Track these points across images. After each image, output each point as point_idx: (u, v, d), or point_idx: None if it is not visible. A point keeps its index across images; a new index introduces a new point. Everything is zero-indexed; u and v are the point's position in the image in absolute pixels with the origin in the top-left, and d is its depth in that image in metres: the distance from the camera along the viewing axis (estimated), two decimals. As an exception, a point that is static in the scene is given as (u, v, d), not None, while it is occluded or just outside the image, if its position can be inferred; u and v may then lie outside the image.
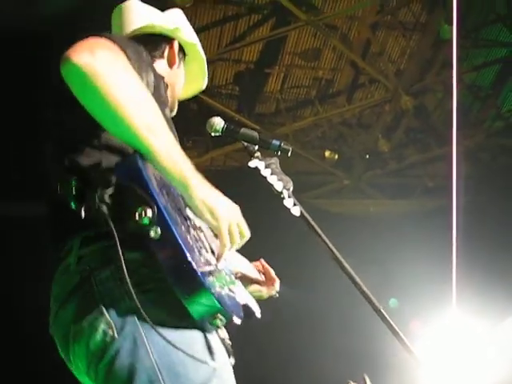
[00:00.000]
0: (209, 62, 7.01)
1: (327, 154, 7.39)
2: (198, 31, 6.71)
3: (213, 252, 1.71)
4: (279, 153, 2.23)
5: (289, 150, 2.22)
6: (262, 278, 2.24)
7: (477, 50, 6.85)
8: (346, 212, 7.54)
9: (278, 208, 2.18)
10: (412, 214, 7.53)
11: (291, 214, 2.15)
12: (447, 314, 5.16)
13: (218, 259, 1.67)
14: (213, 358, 1.59)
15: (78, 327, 1.63)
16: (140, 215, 1.52)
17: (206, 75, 2.36)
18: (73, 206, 1.64)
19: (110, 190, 1.60)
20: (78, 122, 1.69)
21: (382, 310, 2.01)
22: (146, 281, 1.60)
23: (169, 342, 1.55)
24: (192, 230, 1.68)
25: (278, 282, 2.28)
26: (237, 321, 1.59)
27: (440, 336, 5.58)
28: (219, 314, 1.55)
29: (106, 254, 1.62)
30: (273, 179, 2.15)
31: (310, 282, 6.40)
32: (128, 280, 1.52)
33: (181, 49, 2.18)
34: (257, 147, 2.23)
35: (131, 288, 1.53)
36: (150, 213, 1.52)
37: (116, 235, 1.55)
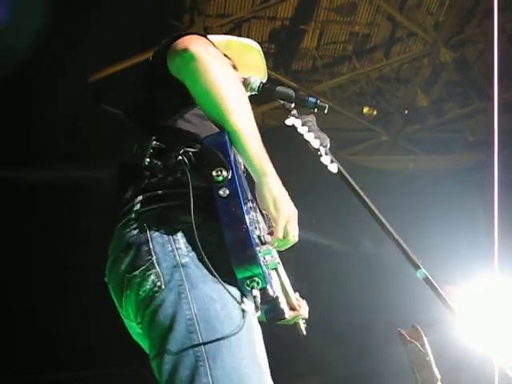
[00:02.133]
0: (243, 21, 7.02)
1: (365, 110, 7.32)
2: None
3: (263, 236, 1.83)
4: (316, 110, 2.23)
5: (325, 107, 2.22)
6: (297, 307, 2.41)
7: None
8: (384, 168, 7.47)
9: (317, 166, 2.19)
10: (453, 169, 7.43)
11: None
12: (489, 275, 5.12)
13: (265, 244, 1.81)
14: (246, 316, 1.73)
15: (132, 276, 1.80)
16: (217, 172, 1.71)
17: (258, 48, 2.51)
18: (147, 162, 1.85)
19: (192, 149, 1.80)
20: (166, 100, 1.97)
21: (421, 266, 2.01)
22: (193, 241, 1.75)
23: (210, 296, 1.71)
24: (252, 212, 1.84)
25: (307, 310, 2.44)
26: (271, 292, 1.77)
27: (481, 298, 5.53)
28: (257, 278, 1.70)
29: (163, 214, 1.82)
30: (310, 136, 2.15)
31: (349, 239, 6.42)
32: (197, 237, 1.70)
33: None
34: (293, 105, 2.22)
35: (199, 243, 1.70)
36: (225, 173, 1.71)
37: (190, 181, 1.74)
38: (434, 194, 6.61)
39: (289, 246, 1.88)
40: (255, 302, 1.71)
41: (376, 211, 2.10)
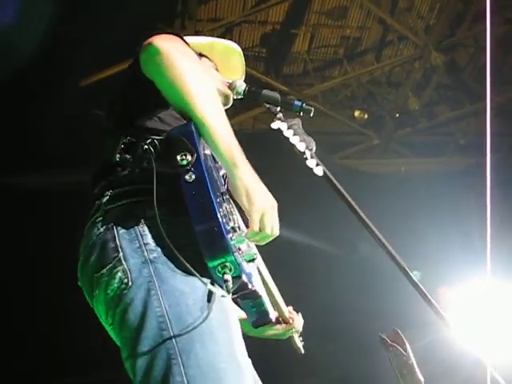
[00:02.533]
0: (235, 25, 7.01)
1: (357, 113, 7.32)
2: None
3: (238, 227, 1.79)
4: (302, 113, 2.22)
5: (311, 111, 2.21)
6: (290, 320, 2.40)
7: (510, 2, 6.65)
8: (376, 172, 7.49)
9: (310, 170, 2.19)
10: (444, 172, 7.44)
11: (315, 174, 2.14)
12: (481, 278, 5.11)
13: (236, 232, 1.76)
14: (222, 310, 1.70)
15: (99, 275, 1.77)
16: (182, 156, 1.69)
17: (235, 46, 2.50)
18: (117, 157, 1.84)
19: (159, 137, 1.81)
20: (142, 101, 1.95)
21: (408, 270, 2.01)
22: (161, 236, 1.70)
23: (181, 290, 1.67)
24: (225, 204, 1.79)
25: (301, 322, 2.44)
26: (248, 285, 1.72)
27: (473, 301, 5.53)
28: (228, 264, 1.65)
29: (130, 210, 1.79)
30: (295, 140, 2.14)
31: (338, 242, 6.41)
32: (162, 229, 1.67)
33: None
34: (279, 108, 2.22)
35: (165, 235, 1.66)
36: (189, 157, 1.68)
37: (155, 170, 1.72)
38: (426, 197, 6.62)
39: (268, 240, 1.78)
40: (226, 287, 1.66)
41: (362, 214, 2.09)
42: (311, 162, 2.12)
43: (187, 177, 1.68)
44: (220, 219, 1.65)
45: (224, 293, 1.66)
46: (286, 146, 2.21)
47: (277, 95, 2.22)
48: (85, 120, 5.43)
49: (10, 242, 5.26)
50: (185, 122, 1.81)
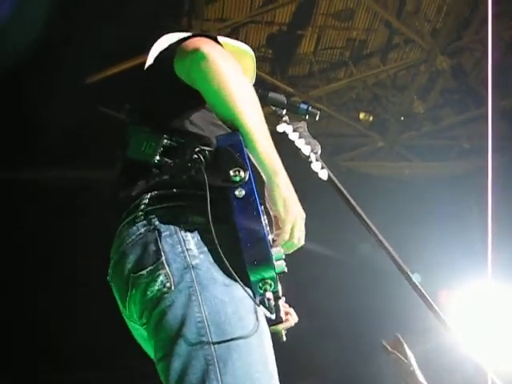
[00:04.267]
0: (241, 25, 7.01)
1: (362, 115, 7.33)
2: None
3: (273, 240, 1.82)
4: (307, 116, 2.23)
5: (316, 114, 2.23)
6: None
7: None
8: (380, 174, 7.48)
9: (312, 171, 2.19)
10: (448, 176, 7.44)
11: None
12: (482, 282, 5.11)
13: (273, 245, 1.79)
14: (257, 320, 1.71)
15: (138, 276, 1.78)
16: (235, 172, 1.69)
17: (248, 48, 2.54)
18: (157, 159, 1.82)
19: (208, 148, 1.79)
20: (174, 104, 1.95)
21: (409, 273, 2.01)
22: (206, 243, 1.75)
23: (221, 299, 1.69)
24: (264, 216, 1.79)
25: (295, 317, 2.41)
26: (280, 294, 1.80)
27: (474, 305, 5.53)
28: (269, 280, 1.71)
29: (172, 213, 1.80)
30: (300, 143, 2.15)
31: (339, 245, 6.41)
32: (215, 236, 1.67)
33: None
34: (285, 111, 2.22)
35: (216, 240, 1.67)
36: (242, 174, 1.70)
37: (206, 179, 1.72)
38: (429, 201, 6.61)
39: (293, 249, 1.85)
40: (269, 305, 1.70)
41: (365, 217, 2.09)
42: (316, 166, 2.12)
43: (237, 192, 1.69)
44: (267, 236, 1.69)
45: (266, 312, 1.71)
46: (289, 149, 2.22)
47: (283, 98, 2.23)
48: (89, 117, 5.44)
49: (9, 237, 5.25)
50: (217, 128, 1.85)
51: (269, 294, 1.70)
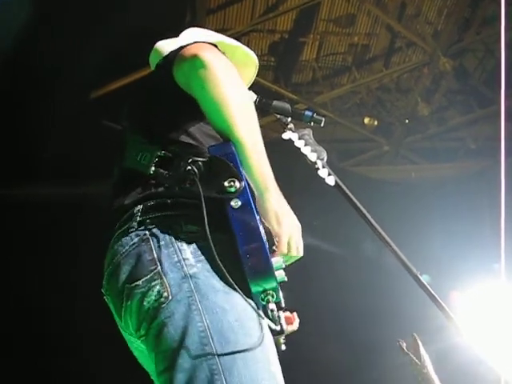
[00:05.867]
0: (243, 34, 7.02)
1: (366, 120, 7.33)
2: (231, 3, 6.70)
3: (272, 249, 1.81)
4: (312, 123, 2.23)
5: (321, 121, 2.23)
6: None
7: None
8: (387, 178, 7.48)
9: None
10: (455, 177, 7.42)
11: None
12: (494, 283, 5.09)
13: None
14: (261, 328, 1.68)
15: (133, 286, 1.74)
16: (230, 183, 1.68)
17: (254, 56, 2.45)
18: (152, 171, 1.81)
19: (202, 159, 1.76)
20: (171, 114, 1.92)
21: (420, 276, 2.02)
22: (203, 252, 1.72)
23: (222, 307, 1.66)
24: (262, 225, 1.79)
25: (297, 322, 2.34)
26: (283, 304, 1.75)
27: (486, 305, 5.51)
28: (271, 291, 1.69)
29: (166, 222, 1.76)
30: (306, 150, 2.16)
31: (349, 249, 6.40)
32: (212, 245, 1.64)
33: None
34: (290, 119, 2.23)
35: (215, 253, 1.64)
36: (237, 184, 1.68)
37: (201, 191, 1.69)
38: (437, 203, 6.60)
39: (293, 260, 1.84)
40: (273, 316, 1.68)
41: (374, 222, 2.10)
42: (323, 172, 2.13)
43: (233, 203, 1.67)
44: (266, 246, 1.66)
45: (271, 324, 1.68)
46: (294, 154, 2.22)
47: (287, 106, 2.23)
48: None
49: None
50: (215, 138, 1.82)
51: (272, 305, 1.69)
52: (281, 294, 1.73)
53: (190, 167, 1.75)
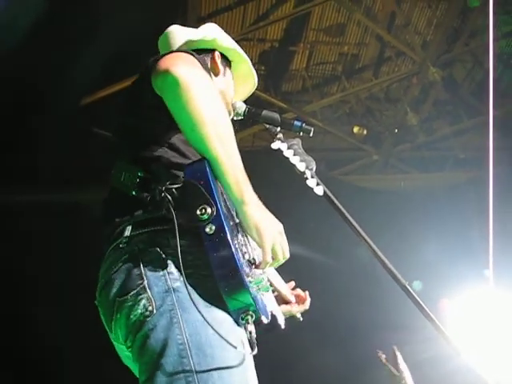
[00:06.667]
0: (233, 43, 6.90)
1: (356, 129, 7.36)
2: (221, 11, 6.70)
3: (254, 259, 1.84)
4: (301, 133, 2.24)
5: (311, 130, 2.23)
6: (292, 299, 2.44)
7: (506, 17, 6.71)
8: (376, 187, 7.50)
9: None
10: (444, 186, 7.46)
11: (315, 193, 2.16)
12: (483, 291, 5.11)
13: (257, 268, 1.82)
14: (241, 345, 1.71)
15: (123, 300, 1.79)
16: (201, 210, 1.70)
17: (255, 75, 2.49)
18: (134, 193, 1.85)
19: (176, 184, 1.80)
20: (152, 125, 1.93)
21: (408, 286, 2.02)
22: (187, 265, 1.74)
23: (204, 318, 1.68)
24: (239, 235, 1.83)
25: (308, 301, 2.45)
26: (264, 320, 1.76)
27: (475, 313, 5.52)
28: (251, 311, 1.73)
29: (154, 238, 1.81)
30: (295, 160, 2.16)
31: (336, 257, 6.40)
32: (181, 260, 1.69)
33: (223, 57, 2.33)
34: (279, 129, 2.24)
35: (182, 266, 1.69)
36: (210, 211, 1.70)
37: (176, 220, 1.72)
38: (426, 212, 6.62)
39: (281, 263, 1.84)
40: (251, 338, 1.70)
41: (362, 232, 2.11)
42: (311, 182, 2.14)
43: (207, 229, 1.69)
44: (240, 269, 1.69)
45: (248, 349, 1.70)
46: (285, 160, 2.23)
47: (276, 116, 2.24)
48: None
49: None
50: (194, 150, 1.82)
51: (250, 327, 1.72)
52: (262, 308, 1.75)
53: (163, 194, 1.79)
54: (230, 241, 1.70)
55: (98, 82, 5.76)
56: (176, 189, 1.79)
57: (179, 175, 1.83)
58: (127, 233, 1.85)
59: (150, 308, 1.73)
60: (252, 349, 1.70)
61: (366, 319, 5.86)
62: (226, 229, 1.70)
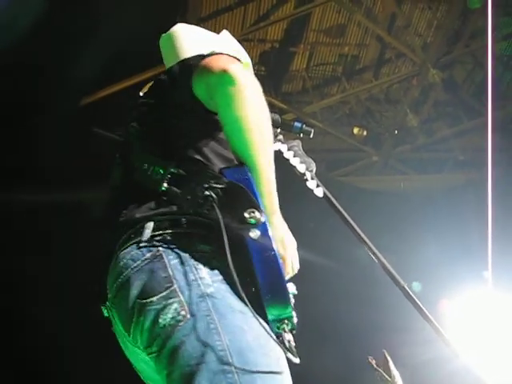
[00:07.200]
0: (233, 44, 6.90)
1: (356, 130, 7.36)
2: (222, 12, 6.72)
3: None
4: (301, 135, 2.24)
5: (311, 132, 2.23)
6: None
7: (507, 19, 6.72)
8: (375, 188, 7.49)
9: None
10: (444, 188, 7.46)
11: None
12: (482, 292, 5.11)
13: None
14: (280, 351, 1.67)
15: (145, 302, 1.70)
16: (250, 214, 1.66)
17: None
18: (164, 187, 1.77)
19: (220, 184, 1.73)
20: (188, 123, 1.87)
21: (406, 287, 2.03)
22: (220, 272, 1.71)
23: (240, 327, 1.64)
24: None
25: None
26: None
27: (474, 314, 5.53)
28: (287, 320, 1.70)
29: (180, 240, 1.74)
30: (295, 161, 2.16)
31: (335, 259, 6.40)
32: (232, 268, 1.62)
33: None
34: (279, 130, 2.23)
35: (235, 276, 1.61)
36: (257, 215, 1.66)
37: (221, 220, 1.66)
38: (426, 213, 6.62)
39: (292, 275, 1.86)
40: (290, 347, 1.68)
41: (362, 234, 2.11)
42: (311, 184, 2.14)
43: (252, 234, 1.67)
44: (283, 276, 1.69)
45: (292, 357, 1.67)
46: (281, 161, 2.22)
47: (277, 117, 2.21)
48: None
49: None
50: (226, 159, 1.82)
51: (288, 336, 1.70)
52: (295, 319, 1.74)
53: (207, 193, 1.72)
54: (275, 248, 1.67)
55: (98, 82, 5.76)
56: (220, 189, 1.72)
57: (220, 176, 1.76)
58: (148, 232, 1.75)
59: (183, 313, 1.65)
60: (294, 356, 1.66)
61: (366, 321, 5.85)
62: (271, 237, 1.68)
